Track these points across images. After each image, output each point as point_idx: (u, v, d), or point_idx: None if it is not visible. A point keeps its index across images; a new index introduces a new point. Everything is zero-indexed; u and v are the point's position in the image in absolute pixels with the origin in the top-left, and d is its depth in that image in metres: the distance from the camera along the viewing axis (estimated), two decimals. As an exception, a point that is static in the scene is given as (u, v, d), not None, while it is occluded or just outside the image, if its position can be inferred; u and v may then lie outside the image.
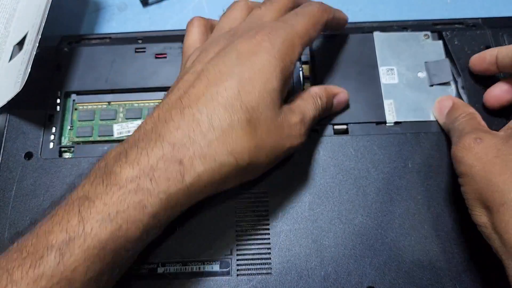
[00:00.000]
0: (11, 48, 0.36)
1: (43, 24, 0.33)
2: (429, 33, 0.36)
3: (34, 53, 0.33)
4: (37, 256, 0.22)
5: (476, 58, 0.34)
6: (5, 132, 0.34)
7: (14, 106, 0.33)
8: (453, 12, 0.41)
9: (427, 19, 0.38)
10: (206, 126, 0.25)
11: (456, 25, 0.38)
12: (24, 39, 0.35)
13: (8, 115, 0.34)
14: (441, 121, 0.33)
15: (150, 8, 0.43)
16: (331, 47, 0.36)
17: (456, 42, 0.36)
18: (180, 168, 0.24)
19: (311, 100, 0.30)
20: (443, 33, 0.36)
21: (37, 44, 0.33)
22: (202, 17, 0.33)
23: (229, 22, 0.31)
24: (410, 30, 0.37)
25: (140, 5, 0.43)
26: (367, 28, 0.37)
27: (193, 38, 0.32)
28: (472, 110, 0.31)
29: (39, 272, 0.22)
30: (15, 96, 0.32)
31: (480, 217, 0.25)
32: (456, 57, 0.35)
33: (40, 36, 0.33)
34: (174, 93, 0.27)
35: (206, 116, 0.25)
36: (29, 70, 0.32)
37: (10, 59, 0.35)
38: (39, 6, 0.35)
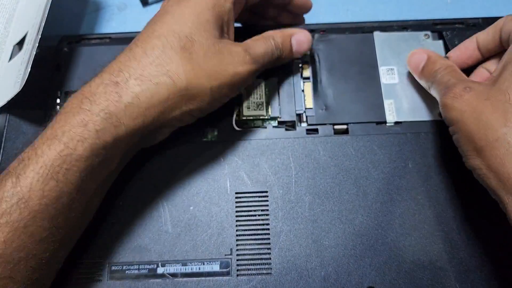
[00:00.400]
0: (11, 48, 0.36)
1: (43, 24, 0.34)
2: (429, 33, 0.36)
3: (34, 53, 0.33)
4: None
5: (458, 50, 0.33)
6: (4, 132, 0.34)
7: (14, 106, 0.33)
8: (453, 12, 0.41)
9: (427, 19, 0.38)
10: (140, 53, 0.27)
11: (457, 25, 0.38)
12: (24, 39, 0.35)
13: (8, 115, 0.34)
14: (417, 76, 0.33)
15: (150, 8, 0.43)
16: (331, 47, 0.36)
17: (456, 42, 0.36)
18: (117, 89, 0.26)
19: (261, 39, 0.31)
20: (444, 33, 0.36)
21: (37, 44, 0.33)
22: None
23: None
24: (410, 30, 0.37)
25: (140, 4, 0.43)
26: (367, 28, 0.37)
27: None
28: (450, 62, 0.32)
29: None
30: (15, 96, 0.32)
31: (474, 159, 0.26)
32: (457, 57, 0.35)
33: (40, 36, 0.33)
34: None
35: (141, 47, 0.28)
36: (29, 70, 0.32)
37: (10, 59, 0.35)
38: (39, 6, 0.35)
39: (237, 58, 0.29)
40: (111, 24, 0.42)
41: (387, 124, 0.34)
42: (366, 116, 0.34)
